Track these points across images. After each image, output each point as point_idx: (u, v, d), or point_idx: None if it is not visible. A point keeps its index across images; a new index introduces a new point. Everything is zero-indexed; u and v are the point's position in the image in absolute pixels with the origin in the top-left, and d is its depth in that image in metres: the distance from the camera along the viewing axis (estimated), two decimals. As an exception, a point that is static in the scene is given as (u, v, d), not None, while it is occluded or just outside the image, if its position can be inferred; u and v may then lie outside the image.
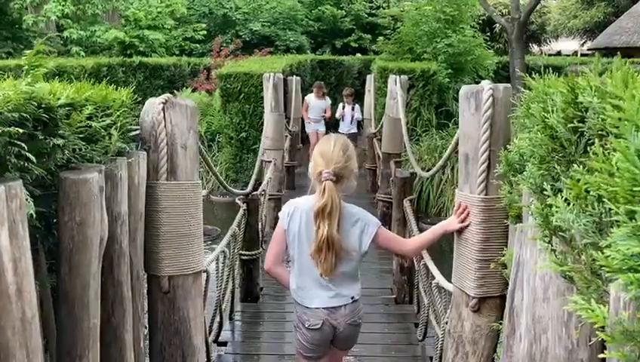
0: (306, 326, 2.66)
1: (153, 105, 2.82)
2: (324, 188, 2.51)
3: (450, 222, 2.71)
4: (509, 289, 1.83)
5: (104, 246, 2.22)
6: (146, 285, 2.93)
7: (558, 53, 29.13)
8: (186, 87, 13.91)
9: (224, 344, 4.41)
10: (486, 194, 2.59)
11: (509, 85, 2.61)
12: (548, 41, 27.59)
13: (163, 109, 2.80)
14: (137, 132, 2.82)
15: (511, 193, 1.83)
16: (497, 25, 20.39)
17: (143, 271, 2.82)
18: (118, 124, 2.46)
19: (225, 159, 11.20)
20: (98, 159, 2.26)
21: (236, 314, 4.94)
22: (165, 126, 2.80)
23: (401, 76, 7.11)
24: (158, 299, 2.91)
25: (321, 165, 2.56)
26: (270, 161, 7.09)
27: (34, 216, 1.73)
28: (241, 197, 4.90)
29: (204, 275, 3.23)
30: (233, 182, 10.58)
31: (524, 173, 1.58)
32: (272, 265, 2.74)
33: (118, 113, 2.52)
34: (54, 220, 2.07)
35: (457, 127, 9.75)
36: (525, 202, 1.67)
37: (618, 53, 1.55)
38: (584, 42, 26.85)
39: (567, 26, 25.44)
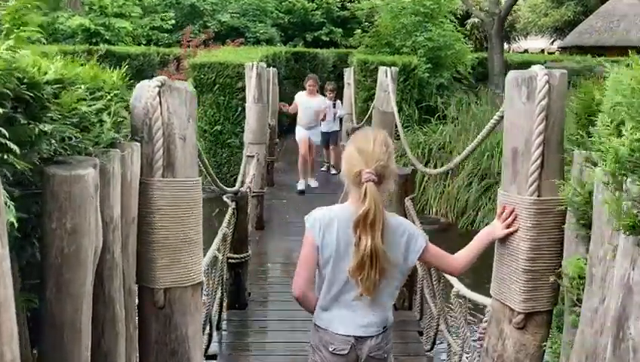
0: (330, 349, 2.27)
1: (147, 89, 2.40)
2: (366, 192, 2.11)
3: (495, 228, 2.36)
4: (615, 316, 1.49)
5: (98, 257, 1.81)
6: (137, 299, 2.51)
7: (525, 52, 29.34)
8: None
9: (213, 357, 4.00)
10: (539, 196, 2.26)
11: (564, 71, 2.28)
12: (517, 39, 27.76)
13: (159, 94, 2.39)
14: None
15: (621, 198, 1.49)
16: (470, 21, 20.34)
17: (135, 283, 2.40)
18: (111, 109, 2.04)
19: (197, 154, 10.71)
20: (89, 151, 1.84)
21: (223, 323, 4.53)
22: (161, 113, 2.39)
23: (391, 68, 6.77)
24: (151, 315, 2.49)
25: (361, 164, 2.16)
26: (252, 156, 6.67)
27: (15, 224, 1.31)
28: (230, 195, 4.48)
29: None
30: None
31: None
32: (305, 289, 2.31)
33: (109, 96, 2.10)
34: (35, 227, 1.64)
35: (440, 123, 9.44)
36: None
37: None
38: (553, 41, 27.08)
39: (537, 24, 25.61)
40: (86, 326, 1.69)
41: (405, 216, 4.67)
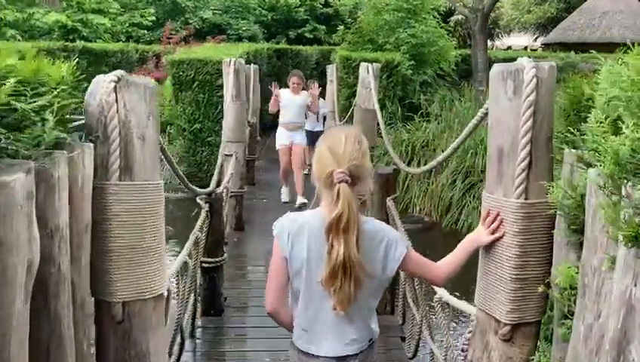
0: None
1: (102, 85, 2.22)
2: (339, 193, 1.92)
3: (480, 234, 2.19)
4: (614, 338, 1.32)
5: (34, 272, 1.61)
6: (94, 313, 2.30)
7: (509, 48, 29.33)
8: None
9: (185, 368, 3.80)
10: (526, 199, 2.10)
11: (553, 64, 2.12)
12: (500, 36, 27.74)
13: (115, 89, 2.21)
14: (81, 120, 2.21)
15: (618, 204, 1.32)
16: (453, 18, 20.25)
17: (90, 296, 2.20)
18: (55, 107, 1.84)
19: (176, 153, 10.45)
20: (25, 153, 1.63)
21: (197, 331, 4.32)
22: (118, 110, 2.21)
23: (373, 64, 6.59)
24: (109, 329, 2.29)
25: (332, 164, 1.96)
26: (231, 155, 6.46)
27: None
28: (203, 196, 4.27)
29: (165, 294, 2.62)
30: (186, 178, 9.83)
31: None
32: (277, 305, 2.12)
33: (55, 93, 1.89)
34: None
35: (424, 120, 9.29)
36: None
37: None
38: (536, 37, 27.10)
39: (520, 20, 25.61)
40: (18, 351, 1.49)
41: (387, 216, 4.50)
